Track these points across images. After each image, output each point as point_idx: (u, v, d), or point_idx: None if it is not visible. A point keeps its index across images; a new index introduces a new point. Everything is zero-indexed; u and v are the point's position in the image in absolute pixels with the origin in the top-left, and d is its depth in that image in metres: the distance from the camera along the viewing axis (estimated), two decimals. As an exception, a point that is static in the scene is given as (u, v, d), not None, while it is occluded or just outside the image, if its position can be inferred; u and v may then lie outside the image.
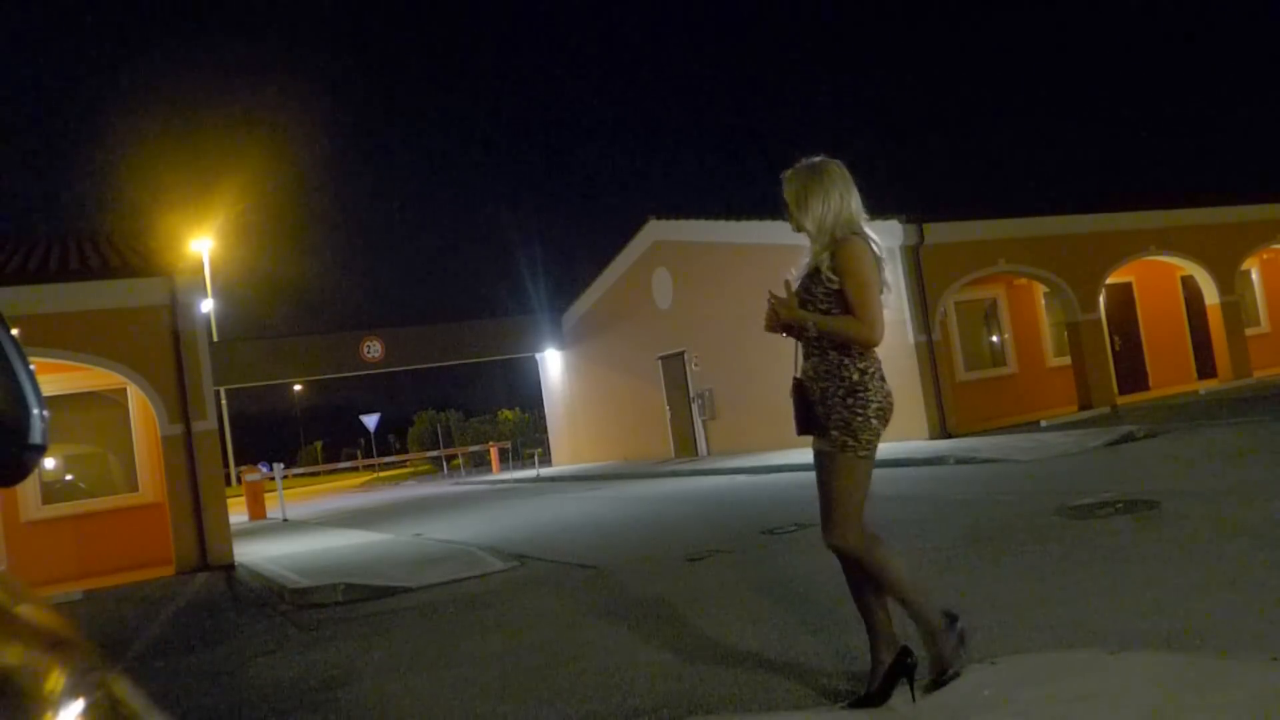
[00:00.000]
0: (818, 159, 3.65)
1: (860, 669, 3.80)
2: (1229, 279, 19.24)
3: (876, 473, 3.57)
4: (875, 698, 3.45)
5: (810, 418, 3.52)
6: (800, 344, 3.60)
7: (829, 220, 3.53)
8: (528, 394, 34.12)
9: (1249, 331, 19.92)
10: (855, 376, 3.45)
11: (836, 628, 4.65)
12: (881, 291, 3.53)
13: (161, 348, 11.86)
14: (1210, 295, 19.30)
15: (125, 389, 12.53)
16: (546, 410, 27.24)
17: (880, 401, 3.46)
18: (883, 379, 3.51)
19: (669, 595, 6.11)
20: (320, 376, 26.53)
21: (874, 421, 3.44)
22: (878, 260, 3.52)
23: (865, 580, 3.49)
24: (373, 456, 47.16)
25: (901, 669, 3.44)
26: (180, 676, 5.80)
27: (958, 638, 3.50)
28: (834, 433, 3.46)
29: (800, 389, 3.54)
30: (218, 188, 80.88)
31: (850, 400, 3.44)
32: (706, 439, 20.19)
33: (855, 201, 3.57)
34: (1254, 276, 21.43)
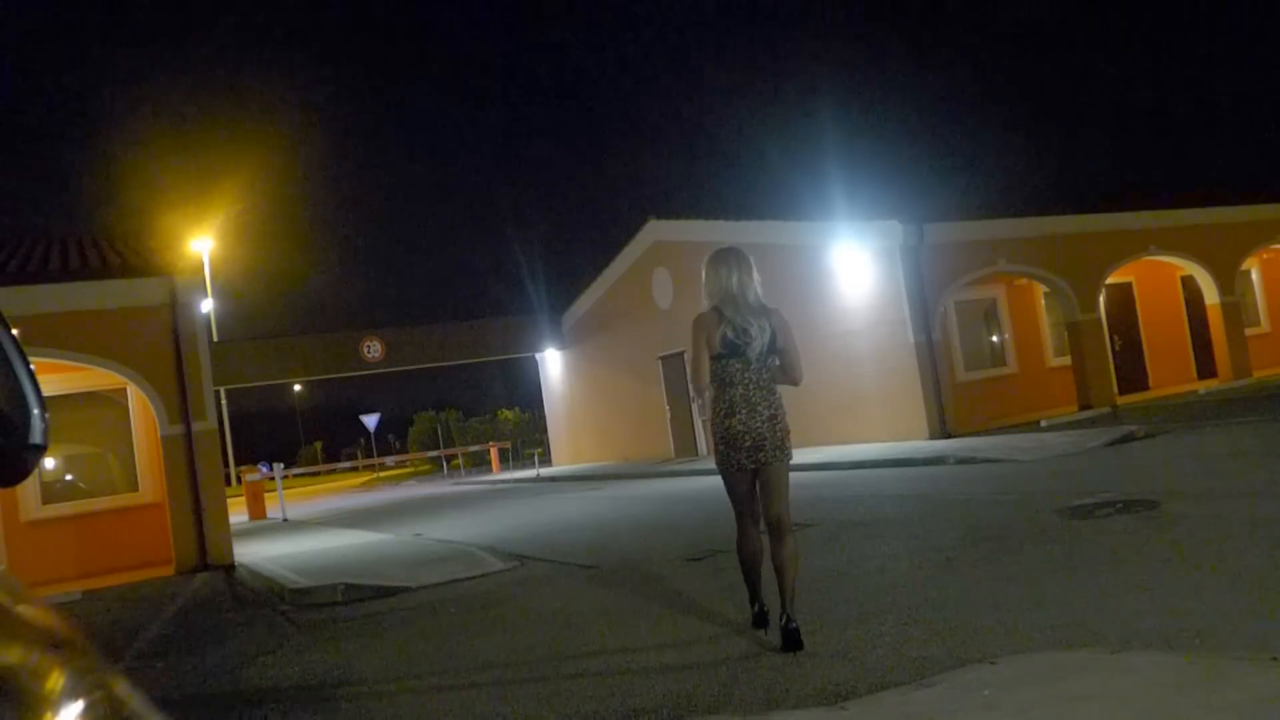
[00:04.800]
0: (723, 248, 4.55)
1: (858, 668, 3.83)
2: (1229, 279, 19.22)
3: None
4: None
5: None
6: None
7: (705, 298, 4.52)
8: (528, 394, 34.09)
9: (1249, 331, 19.90)
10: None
11: (835, 626, 4.66)
12: (738, 350, 4.35)
13: (161, 348, 11.84)
14: (1210, 295, 19.29)
15: (125, 389, 12.53)
16: (546, 410, 27.21)
17: (721, 433, 4.42)
18: (728, 415, 4.37)
19: (669, 595, 6.11)
20: (320, 376, 26.50)
21: (721, 447, 4.44)
22: (722, 325, 4.36)
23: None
24: (373, 456, 47.12)
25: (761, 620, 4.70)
26: (180, 676, 5.80)
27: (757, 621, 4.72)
28: None
29: None
30: (218, 187, 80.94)
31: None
32: (706, 439, 20.19)
33: (735, 280, 4.40)
34: (1254, 276, 21.42)
